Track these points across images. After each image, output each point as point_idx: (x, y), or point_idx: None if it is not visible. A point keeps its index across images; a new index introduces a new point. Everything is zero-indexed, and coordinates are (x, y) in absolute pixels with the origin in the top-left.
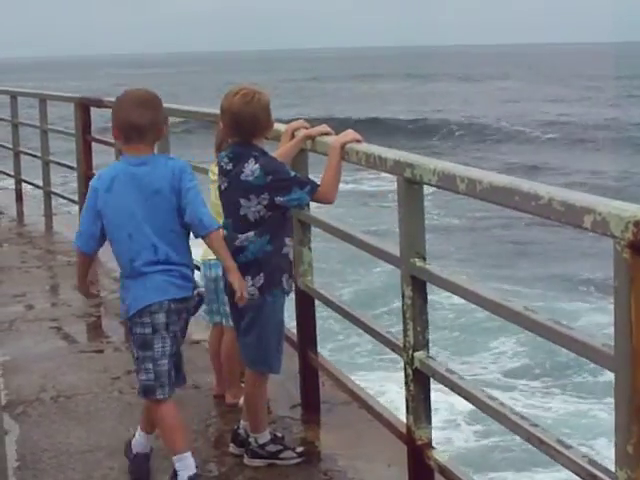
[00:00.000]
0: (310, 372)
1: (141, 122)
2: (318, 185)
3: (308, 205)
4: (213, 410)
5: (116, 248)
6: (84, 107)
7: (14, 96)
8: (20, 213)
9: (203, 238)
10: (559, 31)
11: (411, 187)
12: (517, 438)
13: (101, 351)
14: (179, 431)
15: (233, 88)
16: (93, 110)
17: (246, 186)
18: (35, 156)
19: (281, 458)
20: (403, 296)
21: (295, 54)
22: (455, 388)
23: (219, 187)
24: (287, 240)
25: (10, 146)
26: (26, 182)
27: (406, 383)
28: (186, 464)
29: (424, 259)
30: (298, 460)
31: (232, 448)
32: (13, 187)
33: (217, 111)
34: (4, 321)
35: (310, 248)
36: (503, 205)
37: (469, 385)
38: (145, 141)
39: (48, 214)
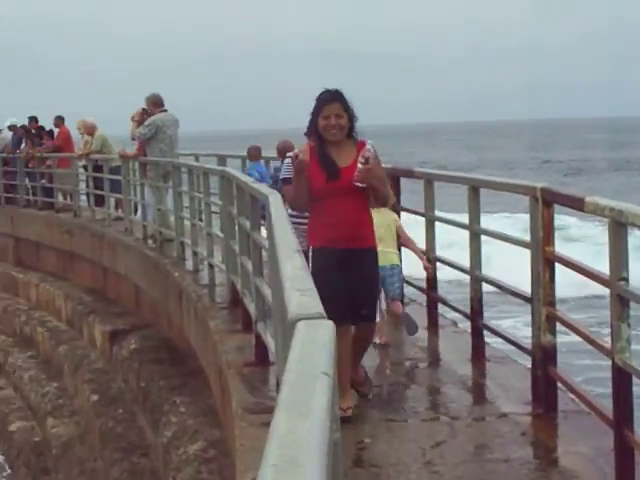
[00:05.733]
0: (626, 451)
1: (254, 154)
2: None
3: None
4: None
5: None
6: (393, 177)
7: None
8: None
9: None
10: None
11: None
12: None
13: (405, 420)
14: None
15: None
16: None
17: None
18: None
19: None
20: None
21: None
22: None
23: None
24: None
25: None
26: None
27: None
28: None
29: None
30: None
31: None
32: None
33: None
34: None
35: (629, 324)
36: None
37: None
38: (256, 158)
39: None
